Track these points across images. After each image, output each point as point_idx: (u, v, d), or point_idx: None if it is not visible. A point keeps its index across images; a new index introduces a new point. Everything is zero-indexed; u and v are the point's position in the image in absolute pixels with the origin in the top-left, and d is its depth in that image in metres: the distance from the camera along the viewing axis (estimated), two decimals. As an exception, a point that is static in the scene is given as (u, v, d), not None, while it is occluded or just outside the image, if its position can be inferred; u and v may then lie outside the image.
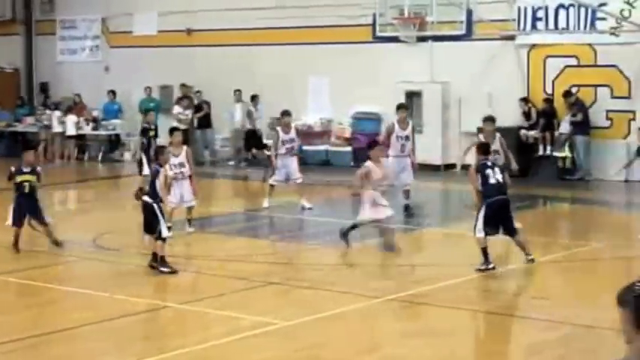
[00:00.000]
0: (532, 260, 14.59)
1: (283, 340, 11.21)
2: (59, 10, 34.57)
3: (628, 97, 24.72)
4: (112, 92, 32.04)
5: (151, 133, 23.86)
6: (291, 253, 16.83)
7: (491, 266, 14.30)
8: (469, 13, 26.34)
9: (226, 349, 10.78)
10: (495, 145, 17.59)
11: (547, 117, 25.28)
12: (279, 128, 20.89)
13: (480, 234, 14.28)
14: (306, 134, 27.36)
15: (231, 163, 29.45)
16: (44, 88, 34.99)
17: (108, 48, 33.52)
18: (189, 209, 17.75)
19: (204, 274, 14.88)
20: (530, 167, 25.39)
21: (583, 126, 24.66)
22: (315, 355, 10.68)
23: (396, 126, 19.92)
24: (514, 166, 17.94)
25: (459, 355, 10.63)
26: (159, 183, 14.58)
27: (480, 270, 14.23)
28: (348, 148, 28.26)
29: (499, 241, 17.05)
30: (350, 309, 12.43)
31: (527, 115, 25.56)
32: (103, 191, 25.78)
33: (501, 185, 14.46)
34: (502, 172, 14.71)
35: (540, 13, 25.44)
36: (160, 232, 14.44)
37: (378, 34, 27.78)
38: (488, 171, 14.44)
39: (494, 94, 26.19)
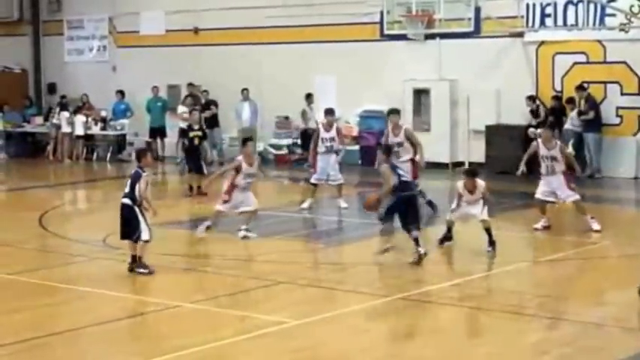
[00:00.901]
0: (419, 258, 14.83)
1: (292, 339, 11.20)
2: (66, 10, 34.61)
3: (638, 94, 24.65)
4: (121, 92, 32.06)
5: (193, 134, 23.42)
6: (301, 252, 16.80)
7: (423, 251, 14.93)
8: (477, 10, 26.32)
9: (237, 348, 10.80)
10: (554, 152, 17.58)
11: (556, 114, 25.21)
12: (320, 126, 20.76)
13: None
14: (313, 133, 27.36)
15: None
16: (52, 88, 35.03)
17: (115, 48, 33.55)
18: (250, 214, 17.38)
19: (214, 274, 14.88)
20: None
21: (594, 123, 24.57)
22: (324, 354, 10.68)
23: (390, 134, 19.28)
24: (578, 171, 18.75)
25: (465, 354, 10.62)
26: (139, 188, 14.33)
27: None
28: (356, 147, 28.23)
29: (503, 240, 17.06)
30: (359, 308, 12.44)
31: (534, 112, 25.50)
32: (111, 191, 25.73)
33: (410, 183, 15.78)
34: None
35: (549, 10, 25.43)
36: (139, 235, 14.35)
37: (386, 31, 27.77)
38: (400, 170, 15.56)
39: (502, 92, 26.18)
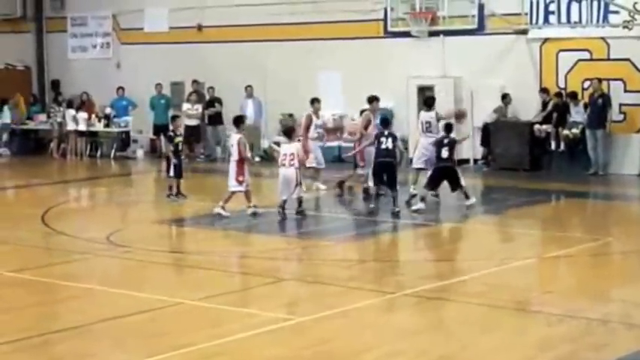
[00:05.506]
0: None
1: (297, 335, 11.19)
2: (69, 7, 34.56)
3: (641, 91, 24.65)
4: (121, 88, 31.98)
5: (178, 140, 23.48)
6: (305, 249, 16.79)
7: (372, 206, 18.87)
8: (481, 7, 26.28)
9: (240, 345, 10.75)
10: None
11: (559, 111, 25.17)
12: (311, 113, 22.54)
13: (371, 182, 19.71)
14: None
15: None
16: (56, 85, 35.00)
17: (119, 45, 33.53)
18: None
19: (217, 271, 14.83)
20: (544, 162, 25.36)
21: (603, 120, 24.46)
22: (329, 350, 10.66)
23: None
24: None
25: (471, 350, 10.60)
26: None
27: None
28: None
29: (509, 236, 17.06)
30: (364, 304, 12.42)
31: (544, 106, 25.45)
32: (116, 188, 25.75)
33: (389, 151, 18.81)
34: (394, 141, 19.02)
35: (552, 7, 25.38)
36: None
37: (390, 29, 27.75)
38: (383, 139, 18.90)
39: (506, 89, 26.12)
